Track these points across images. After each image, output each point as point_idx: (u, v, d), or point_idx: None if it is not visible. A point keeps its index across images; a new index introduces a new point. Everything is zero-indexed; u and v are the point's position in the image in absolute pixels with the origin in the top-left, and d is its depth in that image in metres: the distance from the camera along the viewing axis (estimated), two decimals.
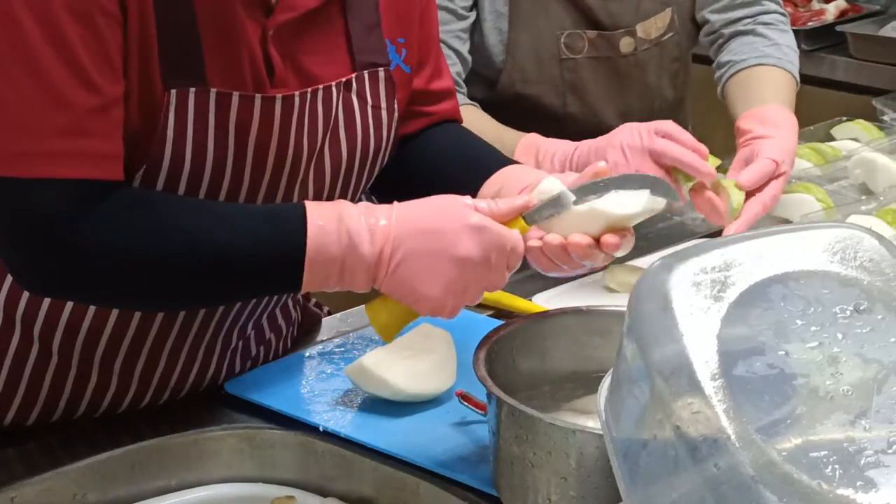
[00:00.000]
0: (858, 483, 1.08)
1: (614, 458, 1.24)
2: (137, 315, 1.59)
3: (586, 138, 2.11)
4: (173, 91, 1.46)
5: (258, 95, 1.51)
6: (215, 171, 1.50)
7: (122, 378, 1.64)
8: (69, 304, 1.57)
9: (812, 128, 2.73)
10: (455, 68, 2.29)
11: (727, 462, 1.09)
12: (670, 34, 2.49)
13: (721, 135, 2.50)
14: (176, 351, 1.65)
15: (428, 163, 1.74)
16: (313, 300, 1.97)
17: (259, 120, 1.51)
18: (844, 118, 2.77)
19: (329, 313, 1.95)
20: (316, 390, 1.68)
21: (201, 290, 1.49)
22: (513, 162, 1.71)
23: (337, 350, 1.77)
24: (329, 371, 1.73)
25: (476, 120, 2.16)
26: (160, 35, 1.45)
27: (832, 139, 2.72)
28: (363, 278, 1.45)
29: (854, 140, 2.70)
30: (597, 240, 1.47)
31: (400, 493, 1.54)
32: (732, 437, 1.10)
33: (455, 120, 1.81)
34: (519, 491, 1.40)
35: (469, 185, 1.65)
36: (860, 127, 2.73)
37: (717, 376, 1.14)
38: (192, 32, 1.46)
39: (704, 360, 1.14)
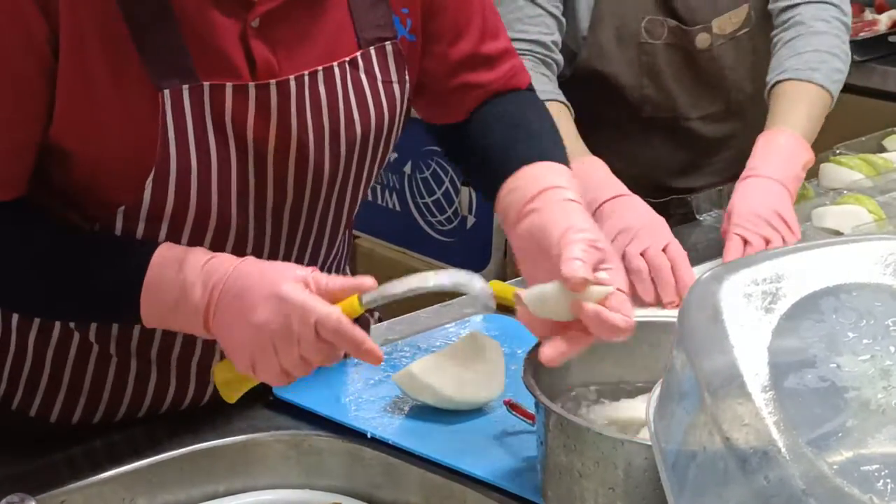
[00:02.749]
0: None
1: (663, 470, 1.24)
2: None
3: (661, 122, 2.42)
4: (166, 91, 1.46)
5: (252, 84, 1.50)
6: (221, 167, 1.51)
7: (179, 371, 1.65)
8: None
9: (864, 139, 2.72)
10: (552, 36, 2.32)
11: (777, 475, 1.09)
12: (745, 30, 2.49)
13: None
14: None
15: (477, 146, 1.69)
16: None
17: (255, 110, 1.51)
18: None
19: (379, 320, 1.95)
20: (364, 397, 1.69)
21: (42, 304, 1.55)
22: (541, 155, 1.60)
23: (385, 357, 1.77)
24: (377, 378, 1.73)
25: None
26: (136, 39, 1.45)
27: (884, 150, 2.70)
28: (196, 325, 1.46)
29: None
30: None
31: (447, 502, 1.54)
32: (783, 449, 1.09)
33: (514, 88, 1.73)
34: (566, 501, 1.40)
35: (497, 181, 1.60)
36: None
37: (767, 388, 1.13)
38: (173, 32, 1.47)
39: (755, 372, 1.14)
